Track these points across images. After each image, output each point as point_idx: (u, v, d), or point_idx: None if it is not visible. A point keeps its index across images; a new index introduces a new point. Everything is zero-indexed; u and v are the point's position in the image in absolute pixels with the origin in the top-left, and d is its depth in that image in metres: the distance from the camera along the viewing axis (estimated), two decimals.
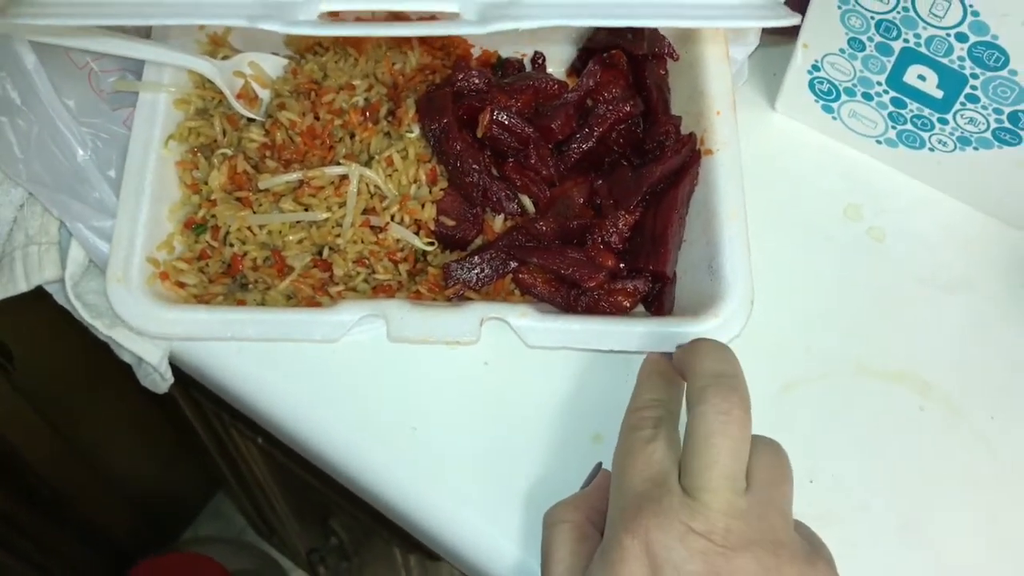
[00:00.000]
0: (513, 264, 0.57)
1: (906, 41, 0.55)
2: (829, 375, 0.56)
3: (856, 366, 0.57)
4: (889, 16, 0.54)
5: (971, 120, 0.56)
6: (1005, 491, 0.53)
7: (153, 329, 0.53)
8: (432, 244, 0.58)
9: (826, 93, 0.62)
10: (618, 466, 0.44)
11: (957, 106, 0.56)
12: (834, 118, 0.63)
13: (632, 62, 0.62)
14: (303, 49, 0.63)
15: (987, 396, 0.56)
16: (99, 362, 0.61)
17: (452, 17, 0.50)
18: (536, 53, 0.65)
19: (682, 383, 0.48)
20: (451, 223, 0.58)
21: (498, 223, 0.59)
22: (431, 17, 0.52)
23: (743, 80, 0.64)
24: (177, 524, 1.47)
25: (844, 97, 0.61)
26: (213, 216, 0.57)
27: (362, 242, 0.57)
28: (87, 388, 1.03)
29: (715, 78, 0.59)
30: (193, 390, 0.59)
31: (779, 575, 0.40)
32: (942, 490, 0.53)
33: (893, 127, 0.60)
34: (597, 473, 0.49)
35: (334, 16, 0.57)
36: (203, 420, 0.98)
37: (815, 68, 0.61)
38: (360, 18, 0.58)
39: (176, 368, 0.58)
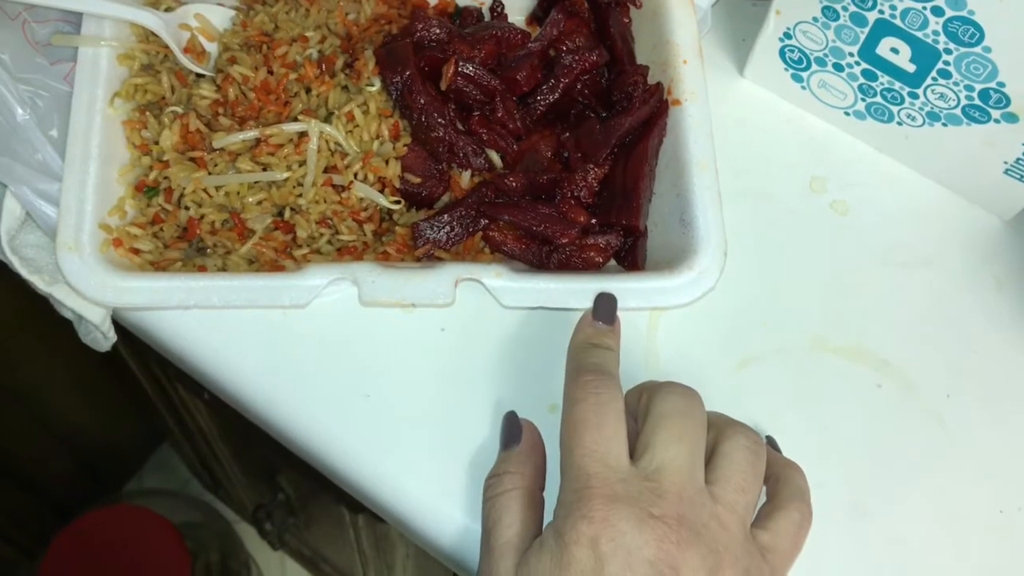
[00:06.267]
0: (483, 222, 0.55)
1: (881, 12, 0.53)
2: (786, 351, 0.56)
3: (813, 342, 0.56)
4: None
5: (941, 96, 0.55)
6: (958, 470, 0.53)
7: (111, 299, 0.51)
8: (398, 202, 0.56)
9: (796, 62, 0.60)
10: (567, 442, 0.42)
11: (928, 81, 0.55)
12: (803, 88, 0.62)
13: (594, 10, 0.61)
14: (251, 0, 0.60)
15: (944, 374, 0.56)
16: (37, 310, 0.58)
17: None
18: (495, 1, 0.63)
19: (618, 345, 0.48)
20: (417, 180, 0.56)
21: (465, 179, 0.57)
22: None
23: (707, 29, 0.62)
24: (121, 475, 1.45)
25: (815, 67, 0.60)
26: (166, 178, 0.54)
27: (325, 202, 0.55)
28: (25, 337, 1.00)
29: (680, 26, 0.57)
30: (137, 342, 0.56)
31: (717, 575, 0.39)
32: (896, 468, 0.53)
33: (862, 99, 0.59)
34: (513, 426, 0.48)
35: None
36: (148, 372, 0.96)
37: (787, 36, 0.59)
38: None
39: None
